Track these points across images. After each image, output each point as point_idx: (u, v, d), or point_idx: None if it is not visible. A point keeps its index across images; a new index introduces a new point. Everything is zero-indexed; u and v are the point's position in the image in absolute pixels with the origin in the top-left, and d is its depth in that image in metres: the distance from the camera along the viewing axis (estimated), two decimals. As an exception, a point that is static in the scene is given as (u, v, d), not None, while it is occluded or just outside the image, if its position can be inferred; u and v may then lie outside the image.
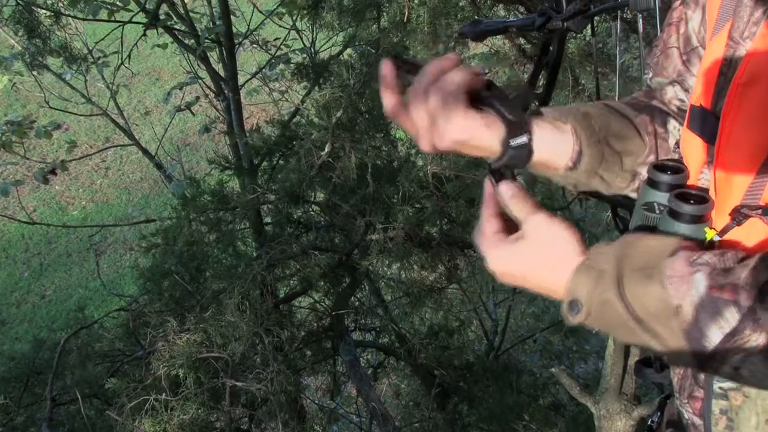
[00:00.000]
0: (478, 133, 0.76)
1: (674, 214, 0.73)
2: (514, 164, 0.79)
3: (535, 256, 0.72)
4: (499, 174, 0.79)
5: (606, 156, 0.83)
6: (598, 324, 0.70)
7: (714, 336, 0.62)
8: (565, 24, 1.66)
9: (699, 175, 0.78)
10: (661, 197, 0.78)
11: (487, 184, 0.78)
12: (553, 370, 2.80)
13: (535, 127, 0.80)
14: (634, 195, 0.89)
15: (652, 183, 0.80)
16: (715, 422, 0.80)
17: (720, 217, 0.72)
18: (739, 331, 0.60)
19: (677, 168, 0.79)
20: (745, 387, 0.77)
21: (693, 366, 0.68)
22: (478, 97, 0.77)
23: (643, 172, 0.86)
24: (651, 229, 0.77)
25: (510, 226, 0.76)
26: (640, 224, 0.79)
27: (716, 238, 0.71)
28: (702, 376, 0.83)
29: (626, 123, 0.85)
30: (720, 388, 0.80)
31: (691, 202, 0.73)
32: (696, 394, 0.84)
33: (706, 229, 0.72)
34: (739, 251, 0.65)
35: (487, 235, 0.75)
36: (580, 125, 0.82)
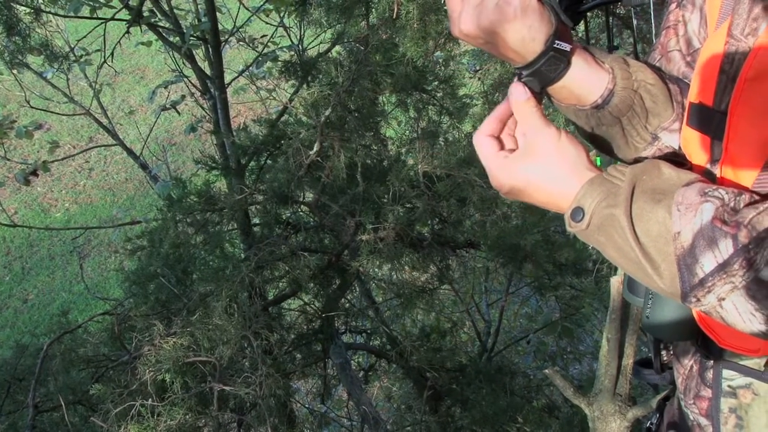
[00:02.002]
0: (531, 17, 0.75)
1: None
2: (546, 74, 0.79)
3: (545, 170, 0.75)
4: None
5: (634, 107, 0.84)
6: (597, 237, 0.72)
7: (708, 264, 0.64)
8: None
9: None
10: None
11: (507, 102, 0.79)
12: (546, 371, 2.79)
13: (577, 52, 0.81)
14: None
15: None
16: (725, 421, 0.82)
17: None
18: (730, 264, 0.63)
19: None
20: (755, 385, 0.79)
21: (677, 296, 0.69)
22: None
23: (664, 139, 0.86)
24: None
25: (503, 144, 0.79)
26: None
27: None
28: (710, 375, 0.84)
29: (662, 84, 0.86)
30: (729, 386, 0.81)
31: None
32: (703, 394, 0.85)
33: None
34: (754, 194, 0.67)
35: (489, 154, 0.78)
36: (619, 67, 0.83)
